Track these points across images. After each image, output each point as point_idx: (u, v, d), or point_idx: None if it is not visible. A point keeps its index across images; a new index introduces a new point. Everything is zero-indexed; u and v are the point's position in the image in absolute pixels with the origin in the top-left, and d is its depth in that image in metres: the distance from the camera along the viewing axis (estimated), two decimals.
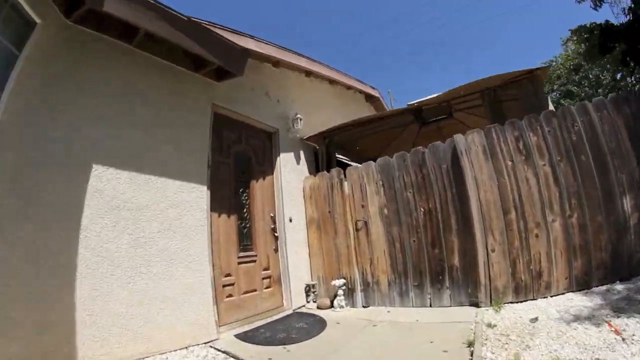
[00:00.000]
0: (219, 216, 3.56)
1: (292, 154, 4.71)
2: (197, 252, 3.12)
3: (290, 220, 4.35)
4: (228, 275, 3.53)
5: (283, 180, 4.40)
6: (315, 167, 5.03)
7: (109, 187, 2.56)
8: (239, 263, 3.69)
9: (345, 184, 4.38)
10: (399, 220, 3.93)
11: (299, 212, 4.57)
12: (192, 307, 2.96)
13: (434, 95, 4.41)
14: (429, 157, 3.83)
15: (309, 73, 5.18)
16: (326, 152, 5.00)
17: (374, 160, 4.26)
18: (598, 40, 5.84)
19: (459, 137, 3.60)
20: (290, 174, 4.59)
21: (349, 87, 6.37)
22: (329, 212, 4.44)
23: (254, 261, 3.89)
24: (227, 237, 3.60)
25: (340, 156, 5.81)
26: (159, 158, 2.97)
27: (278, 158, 4.46)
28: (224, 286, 3.45)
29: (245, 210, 3.97)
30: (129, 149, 2.76)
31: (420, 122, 5.43)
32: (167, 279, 2.82)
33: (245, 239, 3.87)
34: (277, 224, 4.24)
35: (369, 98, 7.32)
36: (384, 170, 4.13)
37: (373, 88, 7.19)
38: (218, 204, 3.55)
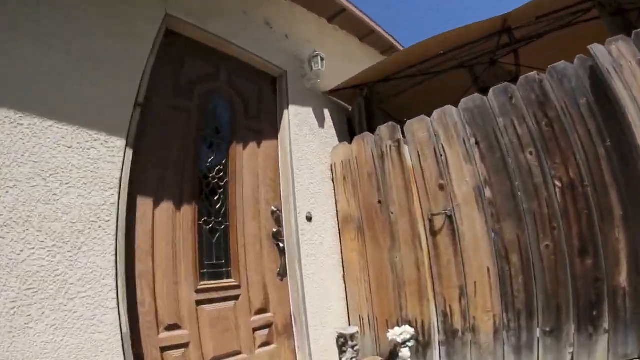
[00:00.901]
0: (157, 205, 1.91)
1: (310, 110, 3.03)
2: (88, 278, 1.53)
3: (309, 220, 2.63)
4: (174, 327, 1.83)
5: (295, 150, 2.72)
6: (350, 136, 3.33)
7: None
8: (200, 302, 1.96)
9: (406, 149, 2.61)
10: (514, 207, 2.17)
11: (323, 205, 2.83)
12: None
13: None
14: (552, 86, 2.15)
15: (333, 16, 3.59)
16: (365, 110, 3.27)
17: None
18: None
19: (598, 49, 2.04)
20: (308, 140, 2.89)
21: (384, 50, 4.63)
22: (379, 202, 2.66)
23: (236, 297, 2.15)
24: (171, 249, 1.91)
25: None
26: (41, 80, 1.64)
27: (286, 113, 2.80)
28: (164, 350, 1.77)
29: (218, 198, 2.29)
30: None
31: (478, 87, 3.77)
32: (18, 333, 1.34)
33: (215, 253, 2.16)
34: (283, 226, 2.54)
35: None
36: (475, 119, 2.36)
37: None
38: (154, 181, 1.92)
